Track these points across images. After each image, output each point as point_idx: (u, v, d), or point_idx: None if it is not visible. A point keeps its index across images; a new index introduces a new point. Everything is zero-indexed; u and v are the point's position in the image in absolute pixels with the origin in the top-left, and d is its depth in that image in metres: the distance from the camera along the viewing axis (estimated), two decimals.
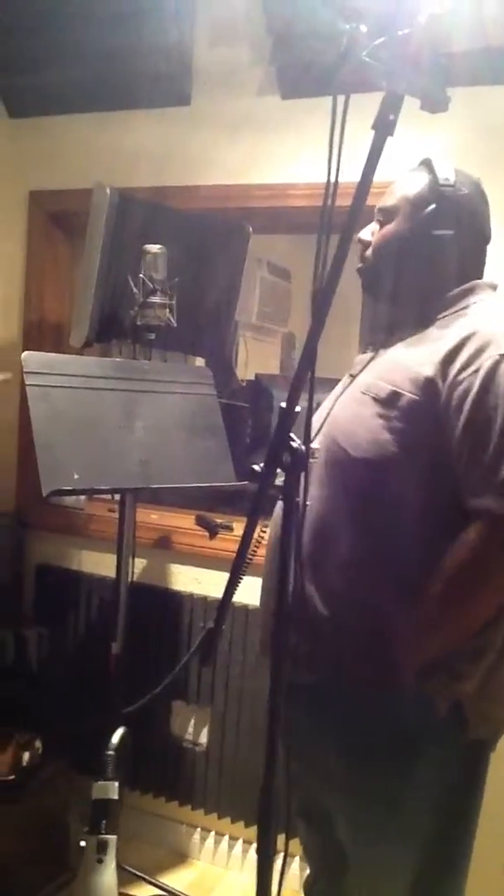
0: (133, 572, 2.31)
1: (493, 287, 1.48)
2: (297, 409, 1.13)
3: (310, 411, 1.16)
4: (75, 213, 2.64)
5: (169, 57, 2.47)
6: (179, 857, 2.64)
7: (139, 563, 2.62)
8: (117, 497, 2.32)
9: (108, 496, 2.64)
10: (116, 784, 0.79)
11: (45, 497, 1.80)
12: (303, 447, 1.11)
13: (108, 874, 0.83)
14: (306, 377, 1.11)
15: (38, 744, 2.36)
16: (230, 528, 2.46)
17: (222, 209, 2.49)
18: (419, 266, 1.44)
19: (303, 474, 1.13)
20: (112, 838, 0.81)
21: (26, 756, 2.33)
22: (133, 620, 2.27)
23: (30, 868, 2.24)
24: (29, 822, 2.27)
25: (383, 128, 1.01)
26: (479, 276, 1.47)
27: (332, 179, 1.07)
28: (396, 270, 1.47)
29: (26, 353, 1.91)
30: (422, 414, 1.31)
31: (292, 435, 1.13)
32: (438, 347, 1.33)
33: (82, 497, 2.76)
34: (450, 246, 1.41)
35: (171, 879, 2.47)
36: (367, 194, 1.04)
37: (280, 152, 2.41)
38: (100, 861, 0.83)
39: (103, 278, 2.17)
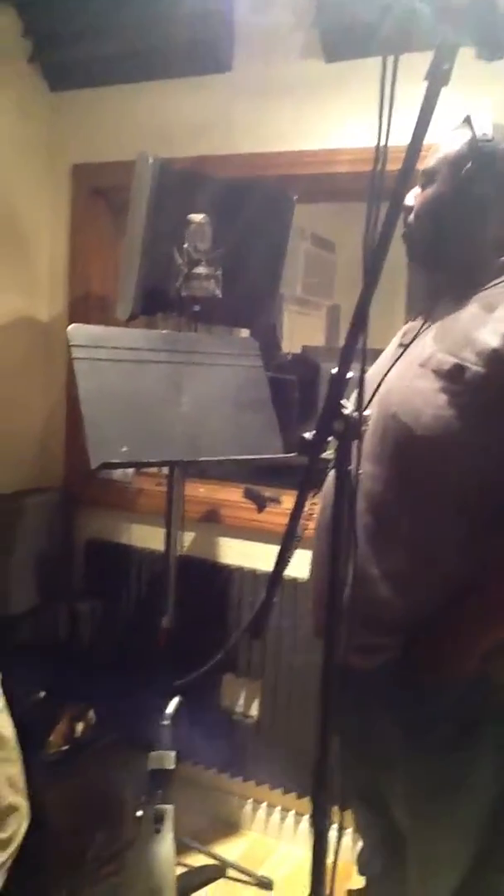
0: (182, 546, 2.32)
1: None
2: (349, 374, 1.09)
3: (362, 378, 1.12)
4: (118, 186, 2.62)
5: (208, 23, 2.42)
6: (231, 827, 2.66)
7: (188, 537, 2.62)
8: (165, 471, 2.31)
9: (156, 470, 2.65)
10: (173, 754, 0.78)
11: (94, 471, 1.80)
12: (355, 414, 1.07)
13: (165, 844, 0.83)
14: (357, 343, 1.07)
15: (91, 715, 2.39)
16: (278, 502, 2.44)
17: (266, 177, 2.45)
18: (461, 229, 1.38)
19: (356, 442, 1.10)
20: (169, 808, 0.80)
21: (80, 727, 2.36)
22: (182, 594, 2.28)
23: (83, 838, 2.27)
24: (82, 791, 2.30)
25: (437, 78, 0.96)
26: None
27: (383, 141, 1.03)
28: (438, 235, 1.40)
29: (73, 326, 1.91)
30: (488, 387, 1.25)
31: (344, 402, 1.10)
32: (501, 317, 1.27)
33: (130, 471, 2.77)
34: (492, 207, 1.34)
35: (223, 850, 2.49)
36: (420, 149, 1.00)
37: (324, 117, 2.36)
38: (157, 831, 0.83)
39: (148, 250, 2.15)
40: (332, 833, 1.12)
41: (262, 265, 2.39)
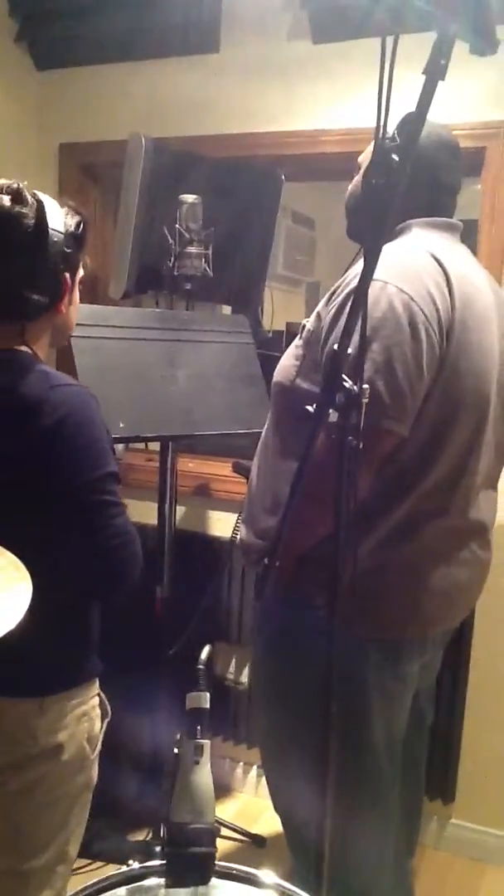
0: (173, 519, 2.37)
1: (431, 224, 1.51)
2: (350, 350, 1.15)
3: (362, 349, 1.17)
4: (106, 164, 2.65)
5: (198, 3, 2.45)
6: (223, 789, 2.75)
7: (179, 511, 2.67)
8: (155, 446, 2.37)
9: (144, 446, 2.70)
10: (207, 695, 0.85)
11: None
12: (356, 388, 1.13)
13: (205, 773, 0.92)
14: (358, 317, 1.13)
15: None
16: None
17: (255, 157, 2.49)
18: (361, 214, 1.56)
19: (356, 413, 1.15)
20: (206, 742, 0.88)
21: None
22: (174, 566, 2.34)
23: None
24: None
25: (434, 72, 1.01)
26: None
27: (382, 122, 1.08)
28: (350, 220, 1.61)
29: None
30: (311, 342, 1.49)
31: (344, 376, 1.15)
32: (341, 284, 1.47)
33: (121, 447, 2.81)
34: (382, 194, 1.36)
35: (217, 810, 2.56)
36: (417, 139, 1.06)
37: (312, 98, 2.40)
38: (196, 762, 0.91)
39: (140, 229, 2.20)
40: None
41: (251, 244, 2.44)
